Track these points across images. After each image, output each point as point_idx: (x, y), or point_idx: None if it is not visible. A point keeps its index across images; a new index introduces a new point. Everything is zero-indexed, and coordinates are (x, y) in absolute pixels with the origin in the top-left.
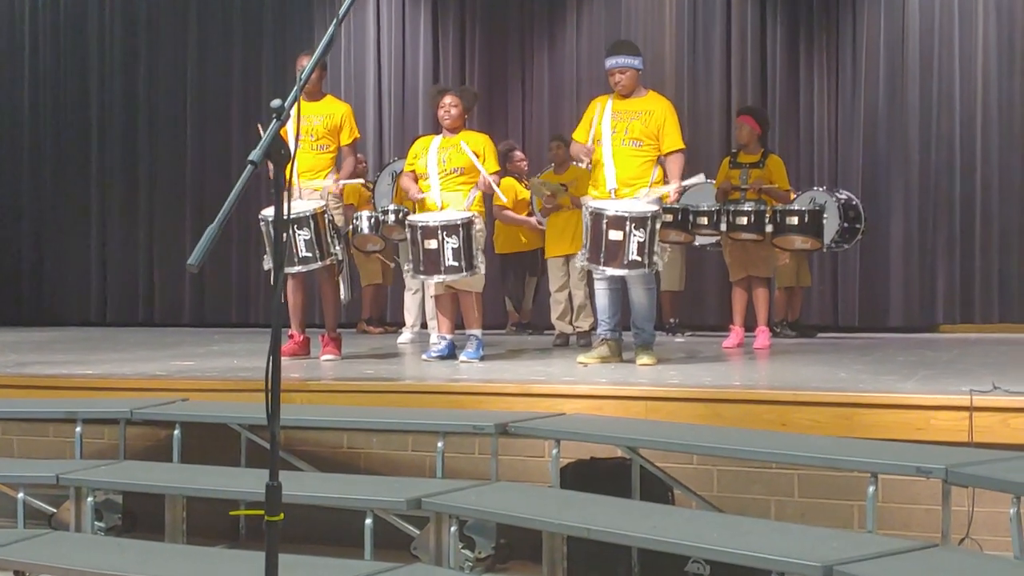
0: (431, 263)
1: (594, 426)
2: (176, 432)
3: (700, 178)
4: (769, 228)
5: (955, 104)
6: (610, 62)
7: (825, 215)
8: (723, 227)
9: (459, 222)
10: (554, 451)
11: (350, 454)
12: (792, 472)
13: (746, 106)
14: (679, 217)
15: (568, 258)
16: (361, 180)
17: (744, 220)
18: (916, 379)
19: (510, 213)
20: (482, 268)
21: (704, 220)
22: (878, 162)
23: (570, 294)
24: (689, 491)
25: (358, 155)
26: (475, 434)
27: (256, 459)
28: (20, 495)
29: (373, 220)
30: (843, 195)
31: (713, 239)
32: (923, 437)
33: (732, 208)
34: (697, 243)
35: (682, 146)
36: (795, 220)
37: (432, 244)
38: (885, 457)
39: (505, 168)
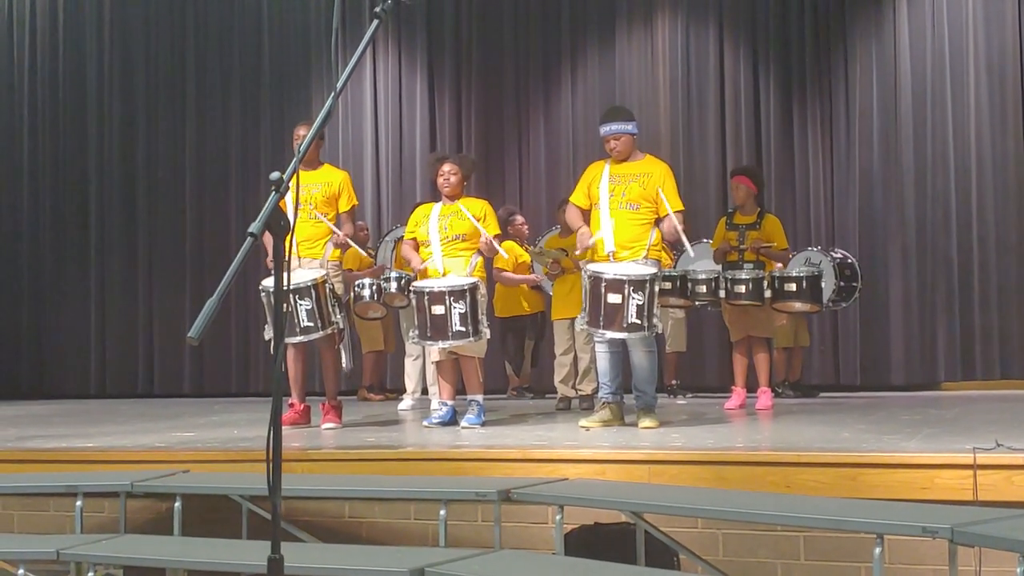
0: (438, 329)
1: (597, 491)
2: (177, 504)
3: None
4: (768, 294)
5: (949, 163)
6: (604, 129)
7: (822, 278)
8: (722, 294)
9: (465, 287)
10: (558, 517)
11: (352, 524)
12: (798, 534)
13: (741, 166)
14: (678, 284)
15: (574, 321)
16: (359, 250)
17: (742, 288)
18: (919, 438)
19: (509, 274)
20: (487, 333)
21: (703, 288)
22: (874, 221)
23: (575, 357)
24: (695, 556)
25: (359, 223)
26: (478, 501)
27: (258, 530)
28: (20, 571)
29: (375, 287)
30: (838, 254)
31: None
32: (928, 496)
33: (730, 276)
34: (697, 303)
35: (681, 207)
36: (793, 287)
37: (439, 310)
38: (890, 518)
39: (507, 232)
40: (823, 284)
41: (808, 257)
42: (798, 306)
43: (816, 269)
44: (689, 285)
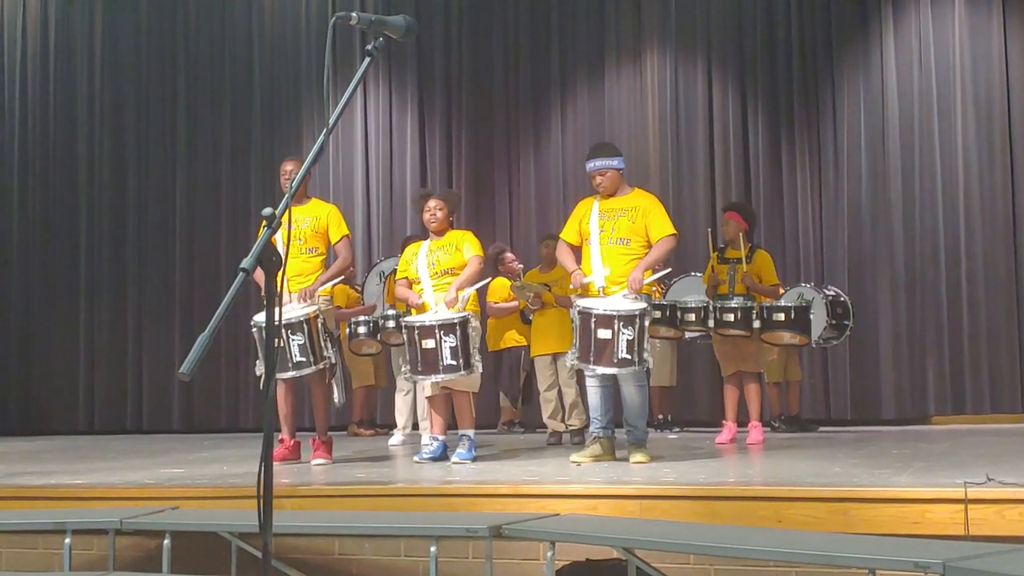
0: (428, 363)
1: (589, 527)
2: (166, 541)
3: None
4: (757, 324)
5: (937, 198)
6: (590, 165)
7: (812, 311)
8: (711, 323)
9: (456, 321)
10: (549, 553)
11: (342, 560)
12: (790, 569)
13: (732, 202)
14: (667, 313)
15: (555, 356)
16: (339, 279)
17: (731, 316)
18: (910, 472)
19: (499, 304)
20: (479, 367)
21: (692, 316)
22: (864, 256)
23: (560, 392)
24: None
25: None
26: (469, 537)
27: (247, 568)
28: None
29: (371, 325)
30: (831, 291)
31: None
32: (919, 531)
33: (720, 304)
34: (687, 336)
35: (673, 231)
36: (782, 316)
37: (430, 343)
38: (882, 552)
39: (497, 270)
40: (812, 316)
41: (801, 293)
42: (787, 337)
43: (806, 302)
44: (679, 314)
